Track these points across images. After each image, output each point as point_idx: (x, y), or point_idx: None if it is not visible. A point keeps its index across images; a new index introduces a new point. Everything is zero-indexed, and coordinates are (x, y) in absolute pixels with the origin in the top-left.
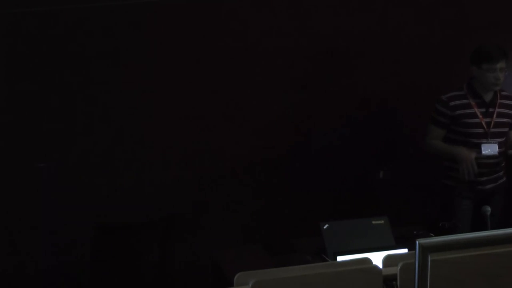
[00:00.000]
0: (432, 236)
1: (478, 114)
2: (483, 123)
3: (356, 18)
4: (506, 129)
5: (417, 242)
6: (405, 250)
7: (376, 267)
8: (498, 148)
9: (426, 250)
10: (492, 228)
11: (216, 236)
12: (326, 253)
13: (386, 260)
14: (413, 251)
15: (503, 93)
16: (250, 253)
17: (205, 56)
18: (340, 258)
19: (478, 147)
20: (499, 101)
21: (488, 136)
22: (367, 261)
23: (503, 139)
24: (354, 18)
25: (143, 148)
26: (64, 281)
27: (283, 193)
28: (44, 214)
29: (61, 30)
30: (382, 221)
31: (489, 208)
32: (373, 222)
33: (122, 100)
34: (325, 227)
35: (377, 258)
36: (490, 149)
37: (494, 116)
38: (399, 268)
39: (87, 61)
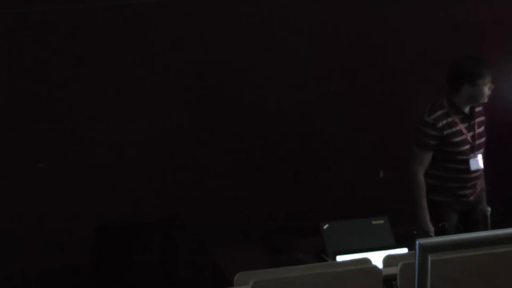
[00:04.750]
0: (432, 236)
1: (463, 130)
2: (469, 138)
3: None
4: (484, 138)
5: (417, 242)
6: (405, 250)
7: (376, 267)
8: (482, 159)
9: (426, 250)
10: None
11: (216, 236)
12: (326, 253)
13: (386, 260)
14: (413, 251)
15: None
16: (250, 253)
17: (206, 59)
18: (340, 258)
19: (466, 163)
20: (476, 110)
21: (474, 150)
22: (367, 261)
23: (483, 148)
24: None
25: (143, 148)
26: (64, 281)
27: (283, 193)
28: (44, 214)
29: (60, 30)
30: (382, 221)
31: (489, 208)
32: (373, 222)
33: (122, 100)
34: (325, 227)
35: (377, 258)
36: (476, 163)
37: (476, 127)
38: (399, 268)
39: (87, 61)
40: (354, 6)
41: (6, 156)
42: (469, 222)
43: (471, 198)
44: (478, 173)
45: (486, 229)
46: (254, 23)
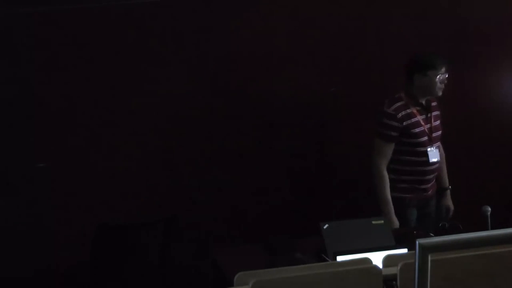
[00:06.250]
0: (432, 236)
1: (421, 121)
2: (426, 130)
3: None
4: (440, 132)
5: (417, 242)
6: (405, 250)
7: (376, 267)
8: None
9: (426, 250)
10: (427, 227)
11: (216, 236)
12: (326, 253)
13: (386, 260)
14: (413, 251)
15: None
16: (250, 253)
17: (209, 58)
18: (340, 258)
19: (425, 155)
20: (432, 104)
21: (432, 142)
22: (367, 261)
23: (439, 142)
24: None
25: (143, 148)
26: (64, 281)
27: (283, 193)
28: (44, 214)
29: (61, 30)
30: (382, 221)
31: (489, 208)
32: (373, 222)
33: (123, 101)
34: (325, 227)
35: (377, 258)
36: (434, 155)
37: (432, 120)
38: (399, 268)
39: (87, 61)
40: (355, 6)
41: (6, 156)
42: (424, 215)
43: (429, 192)
44: (435, 166)
45: (486, 228)
46: (254, 23)
